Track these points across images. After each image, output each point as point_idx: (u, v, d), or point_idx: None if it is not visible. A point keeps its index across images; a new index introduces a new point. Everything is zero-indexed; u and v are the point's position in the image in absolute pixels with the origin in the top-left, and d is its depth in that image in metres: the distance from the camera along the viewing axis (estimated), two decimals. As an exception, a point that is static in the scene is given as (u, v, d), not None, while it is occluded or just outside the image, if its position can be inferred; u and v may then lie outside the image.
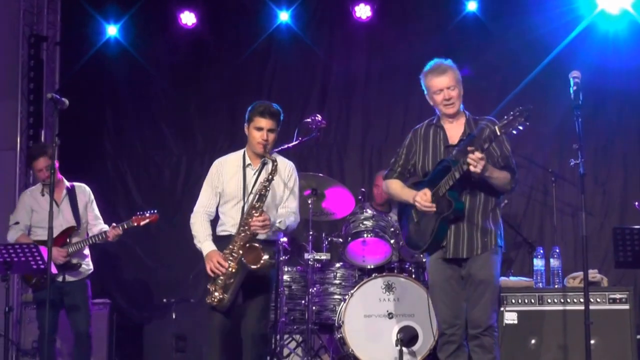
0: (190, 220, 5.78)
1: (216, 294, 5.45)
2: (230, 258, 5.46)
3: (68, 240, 6.79)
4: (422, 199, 5.18)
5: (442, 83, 5.32)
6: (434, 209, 5.17)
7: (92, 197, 7.07)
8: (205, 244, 5.62)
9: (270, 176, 5.50)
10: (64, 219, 6.87)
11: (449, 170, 5.14)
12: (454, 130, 5.39)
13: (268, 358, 5.74)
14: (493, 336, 5.21)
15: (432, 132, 5.46)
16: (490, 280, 5.23)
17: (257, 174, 5.68)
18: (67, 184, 6.99)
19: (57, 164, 6.78)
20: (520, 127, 4.87)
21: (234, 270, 5.43)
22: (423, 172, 5.40)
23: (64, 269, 6.75)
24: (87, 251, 6.98)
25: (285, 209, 5.73)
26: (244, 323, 5.60)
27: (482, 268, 5.22)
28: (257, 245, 5.43)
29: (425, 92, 5.46)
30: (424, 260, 7.38)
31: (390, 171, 5.59)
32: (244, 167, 5.73)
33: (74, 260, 6.79)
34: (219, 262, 5.45)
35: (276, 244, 5.94)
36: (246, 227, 5.44)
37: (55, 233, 6.67)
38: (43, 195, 6.91)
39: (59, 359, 7.57)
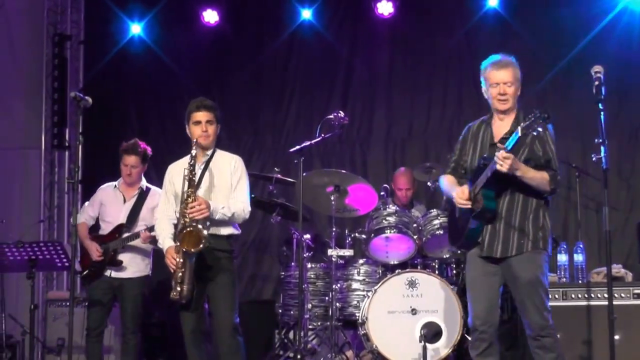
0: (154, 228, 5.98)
1: (178, 288, 5.51)
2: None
3: (117, 236, 6.83)
4: (458, 195, 5.21)
5: (500, 77, 5.26)
6: (468, 206, 5.17)
7: None
8: (165, 242, 5.72)
9: (193, 161, 5.58)
10: (124, 216, 6.90)
11: (485, 168, 5.12)
12: (502, 128, 5.33)
13: (240, 342, 5.71)
14: (552, 335, 5.16)
15: (483, 129, 5.43)
16: (537, 281, 5.16)
17: (202, 167, 5.77)
18: (145, 185, 7.02)
19: (144, 167, 6.98)
20: (540, 129, 4.79)
21: (181, 260, 5.49)
22: (470, 169, 5.38)
23: (109, 265, 6.76)
24: (144, 254, 6.91)
25: (233, 199, 5.76)
26: (213, 316, 5.71)
27: (525, 270, 5.16)
28: (193, 229, 5.43)
29: (483, 86, 5.38)
30: (445, 256, 7.44)
31: (446, 166, 5.62)
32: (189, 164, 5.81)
33: (119, 257, 6.79)
34: (172, 256, 5.55)
35: (233, 239, 5.87)
36: (185, 216, 5.49)
37: (111, 228, 6.84)
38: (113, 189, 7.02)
39: (112, 355, 7.60)
